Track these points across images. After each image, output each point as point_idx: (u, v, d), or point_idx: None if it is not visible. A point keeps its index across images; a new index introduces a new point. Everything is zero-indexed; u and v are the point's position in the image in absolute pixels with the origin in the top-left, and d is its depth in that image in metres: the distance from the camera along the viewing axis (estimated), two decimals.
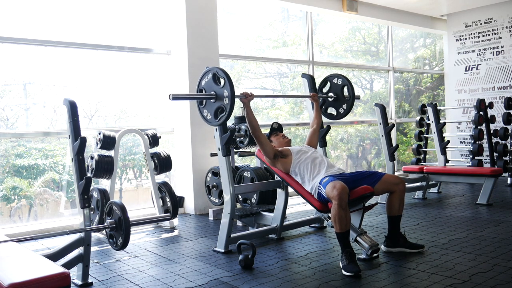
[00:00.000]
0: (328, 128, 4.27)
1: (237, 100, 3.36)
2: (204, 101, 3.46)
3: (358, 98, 4.32)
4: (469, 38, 8.11)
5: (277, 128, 4.28)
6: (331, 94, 4.32)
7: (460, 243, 3.53)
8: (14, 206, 4.73)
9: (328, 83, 4.35)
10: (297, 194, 3.60)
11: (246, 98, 3.50)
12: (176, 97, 3.32)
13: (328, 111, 4.42)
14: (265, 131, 4.23)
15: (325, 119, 4.30)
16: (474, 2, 7.67)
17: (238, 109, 4.85)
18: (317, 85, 4.43)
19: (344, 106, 4.26)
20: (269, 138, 3.96)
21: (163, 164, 4.63)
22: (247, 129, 4.50)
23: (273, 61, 6.84)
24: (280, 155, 3.57)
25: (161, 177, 5.07)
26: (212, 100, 3.35)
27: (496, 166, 6.28)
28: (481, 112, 6.33)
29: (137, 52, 5.25)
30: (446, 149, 6.25)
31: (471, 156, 6.41)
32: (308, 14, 6.83)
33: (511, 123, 6.45)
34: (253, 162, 5.97)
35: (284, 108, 7.13)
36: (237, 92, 3.39)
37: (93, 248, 3.77)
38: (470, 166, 6.32)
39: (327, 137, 4.45)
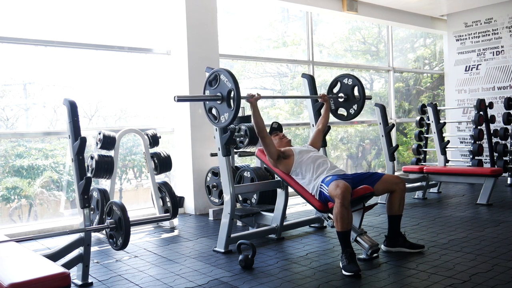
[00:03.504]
0: (328, 128, 4.26)
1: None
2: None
3: (370, 98, 4.25)
4: (469, 38, 8.11)
5: (276, 128, 4.27)
6: (341, 94, 4.24)
7: (460, 243, 3.53)
8: (15, 206, 4.72)
9: (339, 83, 4.27)
10: (297, 194, 3.59)
11: (253, 98, 3.50)
12: (180, 99, 3.27)
13: (339, 111, 4.33)
14: None
15: (333, 118, 4.22)
16: (474, 2, 7.67)
17: None
18: (318, 84, 4.39)
19: (355, 106, 4.17)
20: None
21: (163, 164, 4.63)
22: (247, 129, 4.50)
23: (273, 61, 6.84)
24: (283, 156, 3.57)
25: (161, 177, 5.06)
26: (218, 102, 3.32)
27: (496, 166, 6.28)
28: (481, 112, 6.33)
29: (137, 52, 5.25)
30: (446, 149, 6.24)
31: (471, 156, 6.41)
32: (308, 14, 6.83)
33: (511, 123, 6.45)
34: (253, 162, 5.97)
35: (284, 108, 7.13)
36: (243, 93, 3.36)
37: (93, 248, 3.77)
38: (470, 166, 6.31)
39: (327, 137, 4.44)
